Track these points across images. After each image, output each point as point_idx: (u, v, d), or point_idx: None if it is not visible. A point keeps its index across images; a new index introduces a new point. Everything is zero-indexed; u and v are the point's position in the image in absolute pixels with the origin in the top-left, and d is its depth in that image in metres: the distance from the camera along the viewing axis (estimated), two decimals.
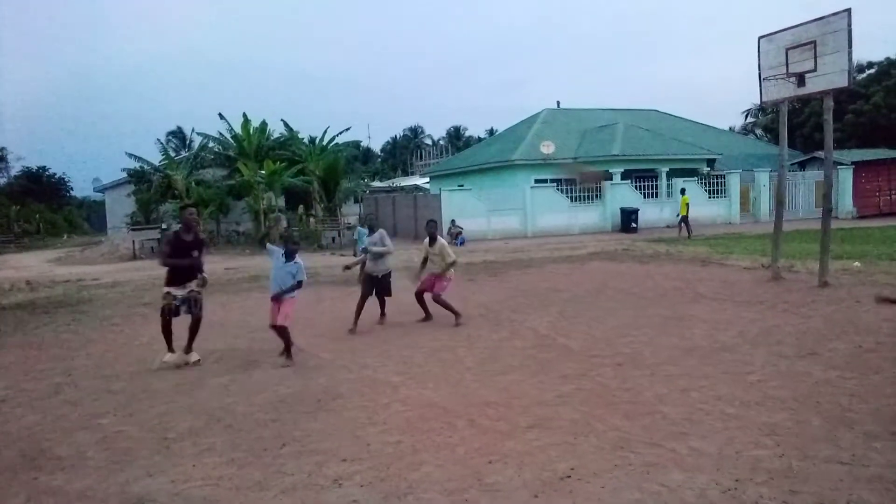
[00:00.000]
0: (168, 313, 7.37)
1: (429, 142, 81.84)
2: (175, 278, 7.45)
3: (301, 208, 30.31)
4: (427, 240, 9.83)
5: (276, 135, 32.26)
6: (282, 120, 32.71)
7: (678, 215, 25.28)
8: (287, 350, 7.47)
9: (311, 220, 28.74)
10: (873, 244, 17.68)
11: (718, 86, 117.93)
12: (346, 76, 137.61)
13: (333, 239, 27.04)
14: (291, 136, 32.01)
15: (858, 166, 30.84)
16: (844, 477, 3.97)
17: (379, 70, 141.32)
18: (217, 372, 7.21)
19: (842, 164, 30.20)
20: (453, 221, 25.93)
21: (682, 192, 26.04)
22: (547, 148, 30.89)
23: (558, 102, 40.93)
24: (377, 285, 9.62)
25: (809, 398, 5.49)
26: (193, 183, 28.64)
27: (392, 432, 5.12)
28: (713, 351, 7.25)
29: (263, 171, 27.25)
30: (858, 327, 8.08)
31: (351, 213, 33.65)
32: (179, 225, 7.83)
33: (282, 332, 7.38)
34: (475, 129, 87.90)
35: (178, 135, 53.51)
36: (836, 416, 5.03)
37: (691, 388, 5.89)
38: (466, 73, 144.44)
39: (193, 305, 7.44)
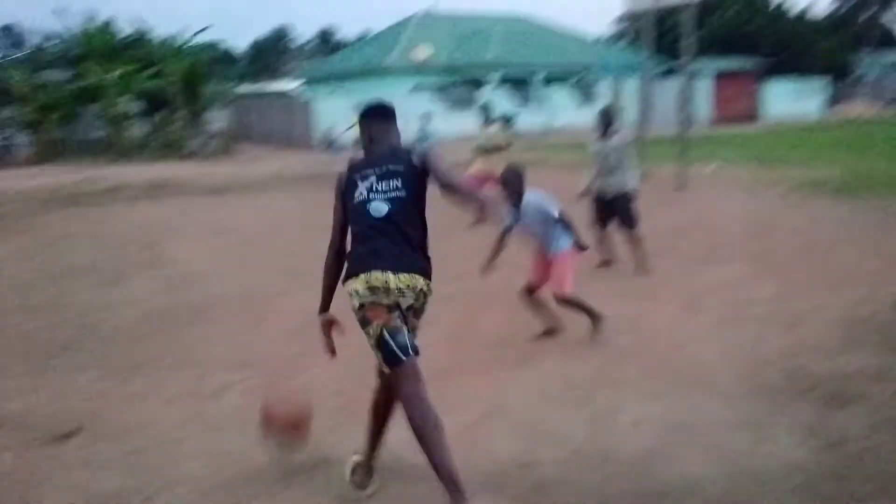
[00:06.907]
0: None
1: (299, 42, 77.89)
2: None
3: (160, 114, 28.13)
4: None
5: (122, 34, 29.23)
6: (130, 18, 29.71)
7: None
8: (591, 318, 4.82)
9: (175, 125, 26.74)
10: (728, 148, 18.94)
11: None
12: None
13: (199, 147, 25.47)
14: (140, 36, 29.17)
15: (719, 75, 32.63)
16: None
17: None
18: (82, 287, 6.82)
19: (703, 73, 31.86)
20: (331, 130, 25.05)
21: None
22: (422, 53, 30.27)
23: (431, 5, 39.89)
24: (612, 210, 6.65)
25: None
26: (35, 86, 25.57)
27: (277, 341, 5.10)
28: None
29: (116, 73, 24.85)
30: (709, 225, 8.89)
31: (217, 119, 31.60)
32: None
33: (568, 302, 4.79)
34: (348, 31, 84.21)
35: (9, 33, 47.45)
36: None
37: None
38: None
39: None
